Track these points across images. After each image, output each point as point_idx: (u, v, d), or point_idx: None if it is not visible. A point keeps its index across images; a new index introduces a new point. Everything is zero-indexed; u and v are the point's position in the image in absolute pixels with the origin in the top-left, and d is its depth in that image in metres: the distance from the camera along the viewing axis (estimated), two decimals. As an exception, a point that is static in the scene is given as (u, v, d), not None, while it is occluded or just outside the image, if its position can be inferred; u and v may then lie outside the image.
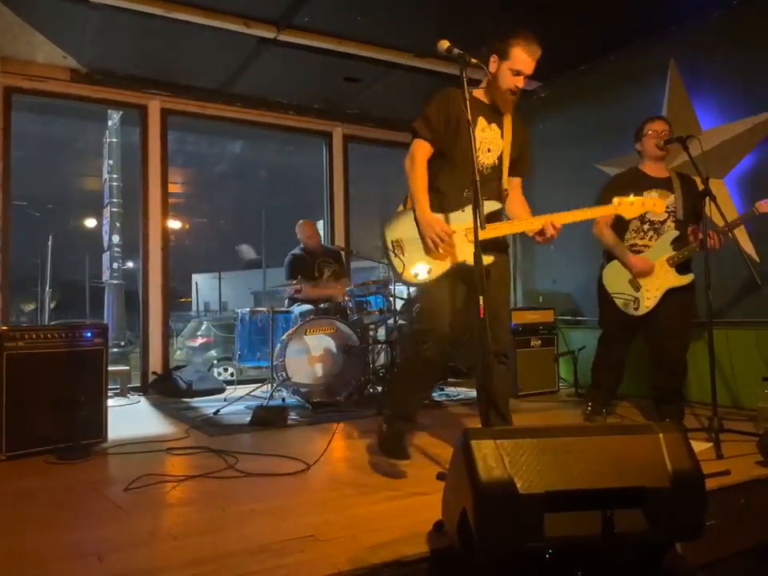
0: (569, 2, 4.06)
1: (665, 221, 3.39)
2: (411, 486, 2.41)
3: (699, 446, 2.73)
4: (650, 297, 3.33)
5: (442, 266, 2.59)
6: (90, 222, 19.39)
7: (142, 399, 4.95)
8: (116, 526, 2.07)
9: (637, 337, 3.51)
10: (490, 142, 2.71)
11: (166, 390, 5.07)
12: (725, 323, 3.90)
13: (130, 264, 12.54)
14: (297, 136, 7.05)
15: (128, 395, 5.00)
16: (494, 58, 2.65)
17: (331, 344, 4.43)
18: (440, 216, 2.59)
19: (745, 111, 3.97)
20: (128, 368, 5.55)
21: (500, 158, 2.74)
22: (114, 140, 9.25)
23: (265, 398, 4.40)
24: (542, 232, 2.56)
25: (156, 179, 5.44)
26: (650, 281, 3.34)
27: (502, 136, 2.73)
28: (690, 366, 3.45)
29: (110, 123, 9.29)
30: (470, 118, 2.26)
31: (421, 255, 2.59)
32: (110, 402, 3.77)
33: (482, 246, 2.49)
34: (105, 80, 5.11)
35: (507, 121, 2.76)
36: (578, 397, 4.53)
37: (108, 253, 9.37)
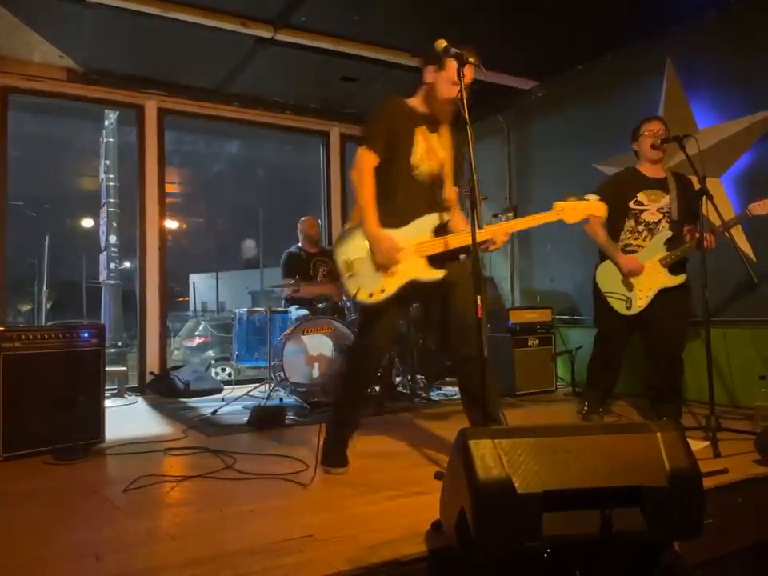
0: (566, 2, 4.06)
1: (659, 221, 3.40)
2: (409, 486, 2.41)
3: (697, 445, 2.73)
4: (642, 297, 3.34)
5: (395, 284, 2.55)
6: (87, 222, 19.34)
7: (140, 399, 4.94)
8: (114, 527, 2.06)
9: (633, 336, 3.52)
10: (431, 153, 2.67)
11: (163, 390, 5.07)
12: (722, 322, 3.91)
13: (127, 264, 12.52)
14: (294, 136, 7.06)
15: (125, 395, 4.99)
16: (431, 68, 2.60)
17: (329, 344, 4.43)
18: (390, 232, 2.54)
19: (741, 110, 3.98)
20: (125, 368, 5.56)
21: (441, 168, 2.71)
22: (111, 140, 9.23)
23: (263, 398, 4.40)
24: (492, 241, 2.56)
25: (153, 179, 5.43)
26: (642, 281, 3.35)
27: (442, 146, 2.70)
28: (687, 364, 3.46)
29: (106, 123, 9.26)
30: (466, 116, 2.25)
31: (372, 275, 2.54)
32: (108, 403, 3.77)
33: (432, 260, 2.57)
34: (102, 80, 5.10)
35: (445, 131, 2.73)
36: (575, 396, 4.54)
37: (105, 253, 9.35)
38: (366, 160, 2.58)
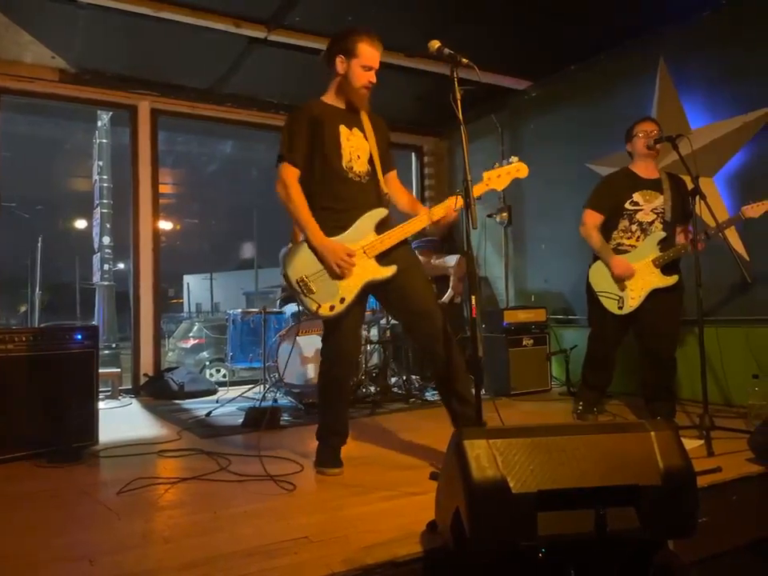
0: (559, 3, 4.07)
1: (653, 221, 3.41)
2: (404, 486, 2.41)
3: (690, 444, 2.74)
4: (634, 296, 3.36)
5: (353, 290, 2.54)
6: (80, 224, 19.28)
7: (134, 401, 4.92)
8: (107, 529, 2.05)
9: (627, 335, 3.53)
10: (358, 149, 2.64)
11: (157, 391, 5.05)
12: (715, 321, 3.92)
13: (121, 265, 12.46)
14: (288, 136, 7.03)
15: (119, 397, 4.97)
16: (340, 59, 2.58)
17: (324, 344, 4.42)
18: (333, 239, 2.52)
19: (734, 110, 4.00)
20: (119, 370, 5.53)
21: (371, 162, 2.67)
22: (104, 141, 9.16)
23: (257, 400, 4.39)
24: (443, 218, 2.61)
25: (146, 180, 5.42)
26: (635, 281, 3.37)
27: (366, 138, 2.67)
28: (680, 363, 3.47)
29: (99, 124, 9.19)
30: (460, 116, 2.25)
31: (329, 287, 2.51)
32: (101, 405, 3.75)
33: (380, 256, 2.57)
34: (94, 80, 5.08)
35: (365, 119, 2.70)
36: (570, 395, 4.54)
37: (98, 254, 9.28)
38: (289, 174, 2.53)
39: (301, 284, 2.50)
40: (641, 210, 3.42)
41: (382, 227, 2.61)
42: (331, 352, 2.69)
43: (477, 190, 2.68)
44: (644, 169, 3.48)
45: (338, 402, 2.75)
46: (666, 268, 3.36)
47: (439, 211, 2.62)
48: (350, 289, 2.53)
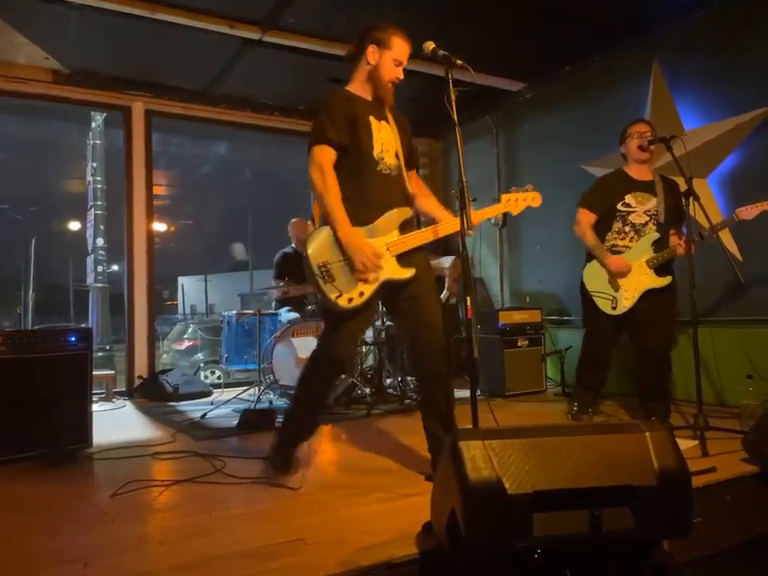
0: (554, 4, 4.08)
1: (646, 223, 3.43)
2: (400, 488, 2.40)
3: (685, 444, 2.75)
4: (627, 297, 3.37)
5: (372, 287, 2.44)
6: (74, 225, 19.21)
7: (128, 403, 4.91)
8: (102, 532, 2.05)
9: (622, 335, 3.54)
10: (387, 141, 2.57)
11: (152, 393, 5.04)
12: (710, 322, 3.94)
13: (115, 267, 12.42)
14: (282, 137, 7.04)
15: (113, 399, 4.95)
16: (372, 48, 2.52)
17: (319, 346, 4.41)
18: (359, 231, 2.44)
19: (727, 112, 4.02)
20: (113, 372, 5.51)
21: (397, 156, 2.61)
22: (98, 142, 9.14)
23: (252, 401, 4.38)
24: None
25: (140, 181, 5.40)
26: (629, 281, 3.38)
27: (393, 133, 2.61)
28: (675, 364, 3.48)
29: (93, 125, 9.17)
30: (455, 117, 2.25)
31: (351, 278, 2.41)
32: (96, 407, 3.74)
33: (400, 258, 2.49)
34: (87, 81, 5.06)
35: (390, 114, 2.64)
36: (565, 396, 4.55)
37: (92, 256, 9.25)
38: (326, 156, 2.44)
39: (323, 269, 2.39)
40: (633, 211, 3.44)
41: (405, 226, 2.55)
42: (330, 350, 2.56)
43: (494, 211, 2.76)
44: (637, 171, 3.49)
45: (320, 403, 2.67)
46: (660, 269, 3.37)
47: (477, 218, 2.55)
48: (369, 286, 2.44)
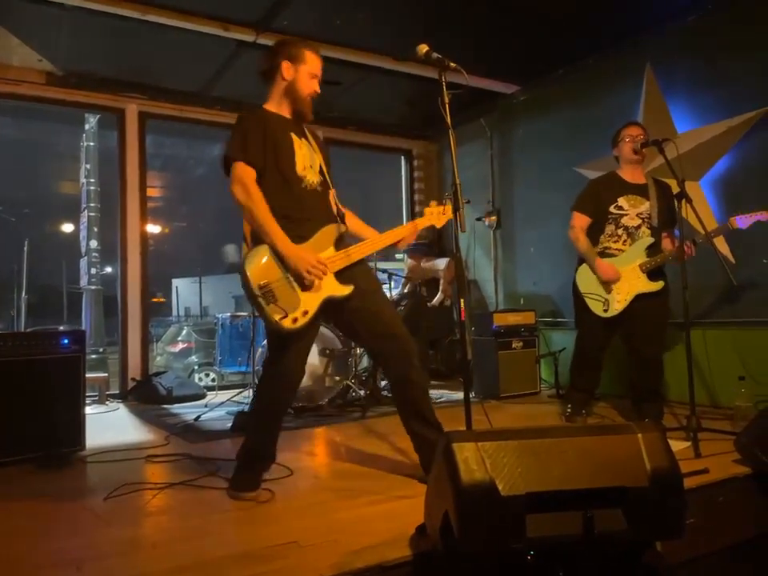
0: (547, 7, 4.10)
1: (639, 226, 3.44)
2: (393, 490, 2.40)
3: (678, 445, 2.76)
4: (619, 300, 3.38)
5: (315, 304, 2.36)
6: (68, 227, 19.11)
7: (121, 406, 4.89)
8: (95, 535, 2.04)
9: (615, 337, 3.55)
10: (309, 159, 2.52)
11: (145, 396, 5.02)
12: (702, 323, 3.96)
13: (109, 269, 12.38)
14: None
15: (107, 402, 4.93)
16: (287, 65, 2.48)
17: (313, 348, 4.41)
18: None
19: (719, 114, 4.04)
20: (106, 374, 5.48)
21: (322, 173, 2.56)
22: (92, 144, 9.12)
23: (246, 404, 4.37)
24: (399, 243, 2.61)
25: (134, 183, 5.39)
26: (621, 285, 3.40)
27: (314, 149, 2.57)
28: (667, 365, 3.50)
29: (86, 127, 9.16)
30: (449, 120, 2.25)
31: (291, 297, 2.31)
32: (89, 410, 3.73)
33: (338, 275, 2.43)
34: (81, 83, 5.05)
35: (309, 132, 2.62)
36: (559, 398, 4.56)
37: (86, 258, 9.23)
38: (247, 174, 2.35)
39: (264, 289, 2.27)
40: (626, 214, 3.45)
41: (340, 243, 2.50)
42: (278, 372, 2.44)
43: (424, 222, 2.70)
44: (630, 174, 3.51)
45: (275, 426, 2.53)
46: (652, 273, 3.38)
47: (392, 237, 2.59)
48: (311, 302, 2.35)
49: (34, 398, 2.98)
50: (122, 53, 4.73)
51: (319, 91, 2.56)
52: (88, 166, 9.21)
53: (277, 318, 2.26)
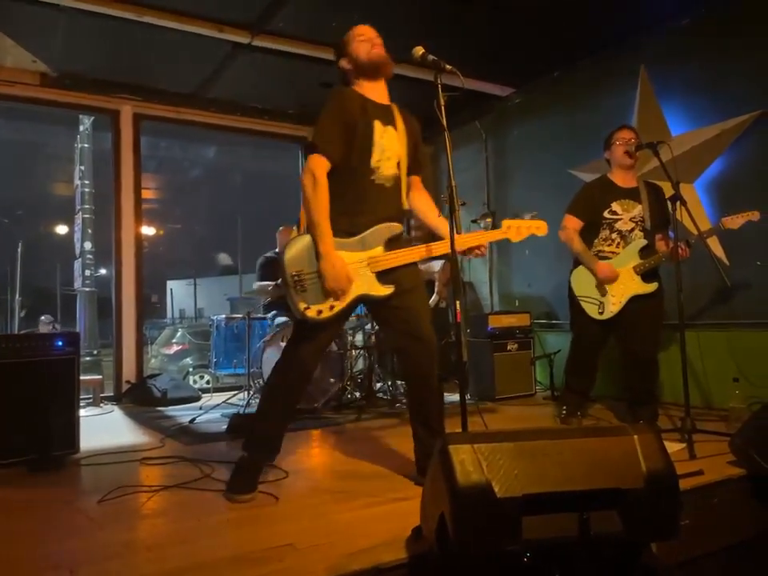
0: (541, 10, 4.11)
1: (632, 230, 3.47)
2: (389, 492, 2.40)
3: (673, 447, 2.76)
4: (615, 302, 3.40)
5: (345, 299, 2.39)
6: (62, 229, 19.08)
7: (116, 408, 4.87)
8: (88, 539, 2.03)
9: (609, 339, 3.56)
10: (389, 149, 2.50)
11: (140, 398, 5.00)
12: (696, 325, 3.97)
13: (103, 271, 12.35)
14: (272, 142, 7.04)
15: (101, 404, 4.91)
16: (342, 61, 2.60)
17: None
18: (340, 242, 2.39)
19: (713, 117, 4.06)
20: (101, 377, 5.46)
21: (398, 166, 2.54)
22: (86, 145, 9.08)
23: (242, 406, 4.36)
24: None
25: (129, 185, 5.37)
26: (616, 287, 3.41)
27: (398, 140, 2.55)
28: (662, 367, 3.51)
29: (81, 128, 9.11)
30: (444, 122, 2.25)
31: (322, 292, 2.35)
32: (83, 412, 3.70)
33: (382, 273, 2.45)
34: (75, 84, 5.03)
35: (397, 114, 2.58)
36: (554, 400, 4.57)
37: (80, 260, 9.18)
38: (321, 167, 2.38)
39: (295, 278, 2.34)
40: (620, 219, 3.47)
41: (392, 243, 2.49)
42: (296, 359, 2.48)
43: (492, 236, 2.72)
44: (622, 178, 3.53)
45: (287, 414, 2.56)
46: (646, 275, 3.40)
47: (474, 241, 2.56)
48: (342, 299, 2.39)
49: (28, 400, 2.96)
50: (116, 54, 4.71)
51: (379, 44, 2.57)
52: (82, 168, 9.17)
53: (302, 307, 2.34)
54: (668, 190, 3.24)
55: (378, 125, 2.48)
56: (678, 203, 3.05)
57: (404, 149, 2.56)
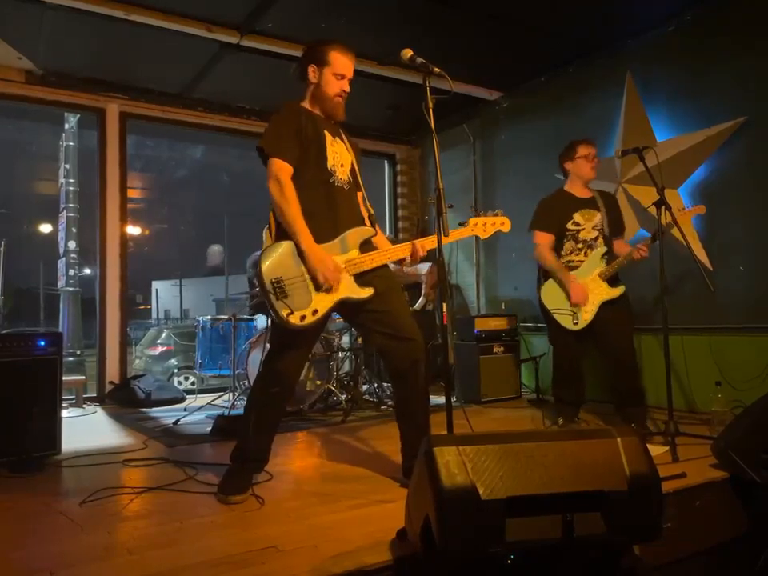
0: (529, 15, 4.14)
1: (596, 238, 3.57)
2: (374, 494, 2.40)
3: (656, 450, 2.79)
4: (587, 310, 3.46)
5: (327, 305, 2.40)
6: (46, 228, 18.88)
7: (99, 410, 4.82)
8: (69, 541, 2.00)
9: (589, 346, 3.59)
10: (341, 157, 2.57)
11: (123, 399, 4.95)
12: (679, 329, 4.00)
13: (87, 271, 12.23)
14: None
15: (84, 405, 4.86)
16: (312, 68, 2.55)
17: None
18: (327, 246, 2.43)
19: (698, 124, 4.10)
20: (84, 377, 5.40)
21: (353, 173, 2.62)
22: (71, 144, 8.98)
23: (226, 408, 4.34)
24: (413, 255, 2.60)
25: (114, 184, 5.33)
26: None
27: (347, 149, 2.63)
28: (646, 371, 3.56)
29: (66, 126, 9.02)
30: (432, 125, 2.26)
31: (305, 295, 2.36)
32: (65, 413, 3.67)
33: (359, 276, 2.47)
34: (61, 82, 4.99)
35: (342, 132, 2.66)
36: (539, 402, 4.59)
37: (64, 259, 9.08)
38: (284, 171, 2.39)
39: (275, 285, 2.32)
40: (582, 228, 3.58)
41: (366, 246, 2.53)
42: (279, 367, 2.47)
43: (459, 234, 2.79)
44: (579, 189, 3.65)
45: (273, 425, 2.56)
46: (611, 280, 3.49)
47: (425, 245, 2.61)
48: (323, 302, 2.39)
49: (9, 401, 2.92)
50: (103, 52, 4.67)
51: (347, 90, 2.58)
52: (67, 166, 9.07)
53: (284, 314, 2.32)
54: (653, 195, 3.27)
55: (327, 134, 2.55)
56: (663, 208, 3.08)
57: (352, 159, 2.64)
